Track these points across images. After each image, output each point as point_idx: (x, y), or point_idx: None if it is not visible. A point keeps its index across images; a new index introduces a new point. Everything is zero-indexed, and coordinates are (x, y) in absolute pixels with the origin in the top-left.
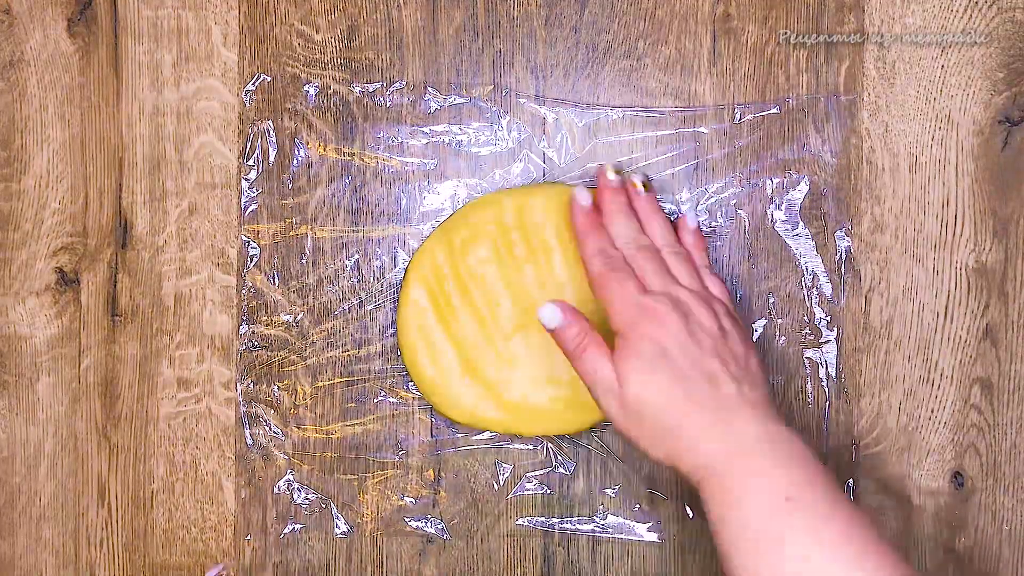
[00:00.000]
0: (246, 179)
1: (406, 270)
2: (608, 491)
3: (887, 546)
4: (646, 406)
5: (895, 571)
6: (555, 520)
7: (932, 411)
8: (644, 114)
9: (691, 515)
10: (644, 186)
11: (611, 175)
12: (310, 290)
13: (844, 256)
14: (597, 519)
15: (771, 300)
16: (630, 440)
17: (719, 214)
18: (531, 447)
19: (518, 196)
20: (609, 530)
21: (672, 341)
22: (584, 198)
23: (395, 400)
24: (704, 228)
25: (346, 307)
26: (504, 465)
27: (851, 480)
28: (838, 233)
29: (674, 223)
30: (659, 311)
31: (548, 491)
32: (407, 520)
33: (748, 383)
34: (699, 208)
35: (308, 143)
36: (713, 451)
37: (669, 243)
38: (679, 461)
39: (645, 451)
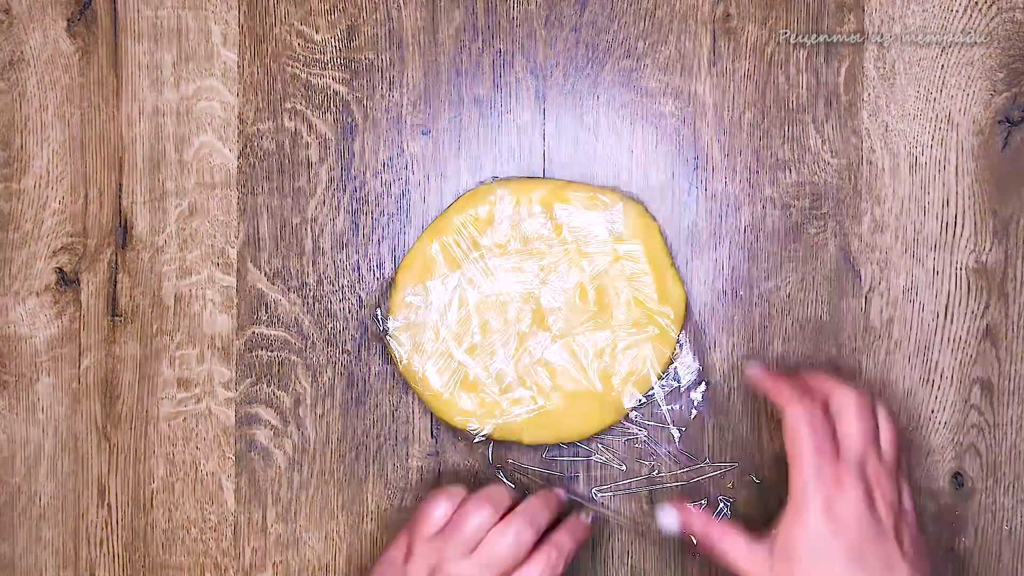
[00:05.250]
0: (246, 179)
1: (393, 285)
2: (609, 491)
3: None
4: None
5: None
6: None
7: (932, 411)
8: (644, 114)
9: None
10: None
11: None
12: (310, 290)
13: (844, 256)
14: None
15: (771, 300)
16: None
17: (719, 214)
18: (532, 448)
19: (516, 187)
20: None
21: (850, 515)
22: None
23: (395, 400)
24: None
25: (346, 307)
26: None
27: None
28: (838, 233)
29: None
30: (843, 481)
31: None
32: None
33: (921, 571)
34: (699, 207)
35: (308, 143)
36: None
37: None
38: None
39: None
